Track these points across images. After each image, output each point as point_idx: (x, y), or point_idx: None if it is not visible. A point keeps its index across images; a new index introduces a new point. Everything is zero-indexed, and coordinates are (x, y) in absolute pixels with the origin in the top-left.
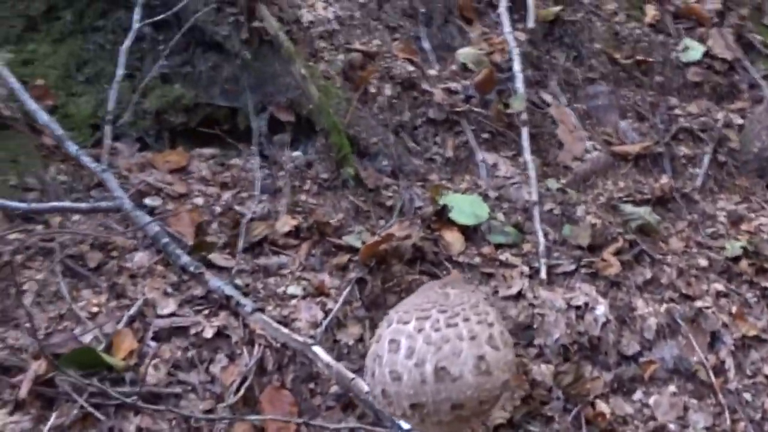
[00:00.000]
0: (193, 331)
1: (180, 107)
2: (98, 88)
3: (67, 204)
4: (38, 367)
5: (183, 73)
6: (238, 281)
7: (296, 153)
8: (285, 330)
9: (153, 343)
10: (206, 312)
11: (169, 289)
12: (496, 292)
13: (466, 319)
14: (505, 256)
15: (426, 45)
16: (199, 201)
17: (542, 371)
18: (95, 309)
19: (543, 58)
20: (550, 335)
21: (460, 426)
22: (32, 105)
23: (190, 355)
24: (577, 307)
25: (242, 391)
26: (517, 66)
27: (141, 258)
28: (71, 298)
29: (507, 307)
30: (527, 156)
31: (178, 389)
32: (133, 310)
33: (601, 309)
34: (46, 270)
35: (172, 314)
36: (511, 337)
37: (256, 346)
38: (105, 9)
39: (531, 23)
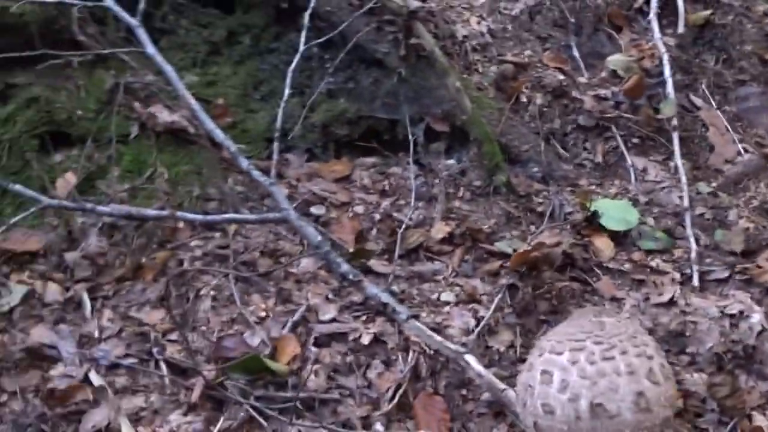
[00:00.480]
0: (351, 337)
1: (344, 120)
2: (273, 105)
3: (237, 216)
4: (209, 372)
5: (347, 89)
6: (395, 287)
7: (450, 161)
8: (438, 338)
9: (314, 349)
10: (364, 318)
11: (331, 295)
12: (648, 299)
13: (624, 352)
14: (655, 262)
15: (576, 53)
16: (360, 209)
17: (695, 381)
18: (263, 314)
19: (692, 62)
20: (703, 344)
21: None
22: (210, 125)
23: (348, 360)
24: (731, 315)
25: (397, 398)
26: (667, 71)
27: (306, 264)
28: (242, 302)
29: (658, 315)
30: (678, 161)
31: (336, 395)
32: (296, 316)
33: (757, 317)
34: (221, 275)
35: (333, 320)
36: (663, 344)
37: (411, 353)
38: (278, 32)
39: (681, 28)
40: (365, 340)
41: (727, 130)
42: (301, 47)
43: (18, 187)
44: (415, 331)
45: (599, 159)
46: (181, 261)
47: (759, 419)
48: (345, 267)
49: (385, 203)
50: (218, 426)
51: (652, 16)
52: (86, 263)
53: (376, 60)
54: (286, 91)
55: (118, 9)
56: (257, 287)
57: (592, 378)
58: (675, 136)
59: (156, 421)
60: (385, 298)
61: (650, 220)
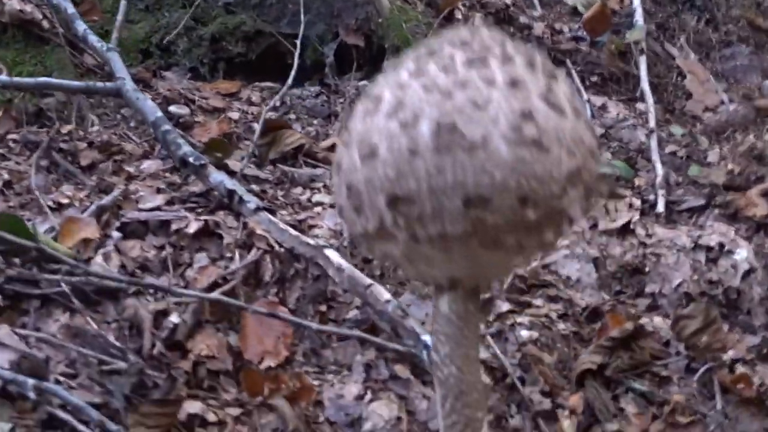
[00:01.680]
0: (175, 227)
1: (239, 35)
2: (157, 16)
3: (55, 80)
4: None
5: (250, 4)
6: (255, 186)
7: (363, 82)
8: (293, 231)
9: (117, 234)
10: (199, 210)
11: (163, 186)
12: (595, 225)
13: (507, 59)
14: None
15: None
16: (235, 116)
17: (656, 324)
18: (66, 201)
19: (670, 19)
20: (669, 281)
21: (483, 255)
22: None
23: (164, 254)
24: (708, 248)
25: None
26: (636, 1)
27: (149, 165)
28: (44, 191)
29: (609, 245)
30: (644, 86)
31: (131, 288)
32: (106, 200)
33: (743, 253)
34: (26, 164)
35: (156, 209)
36: (614, 282)
37: (254, 251)
38: None
39: None
40: (191, 229)
41: (708, 79)
42: None
43: None
44: (264, 225)
45: None
46: None
47: (745, 372)
48: (187, 149)
49: (270, 115)
50: None
51: None
52: None
53: None
54: None
55: None
56: (74, 180)
57: (445, 90)
58: (642, 60)
59: None
60: (231, 184)
61: (606, 155)
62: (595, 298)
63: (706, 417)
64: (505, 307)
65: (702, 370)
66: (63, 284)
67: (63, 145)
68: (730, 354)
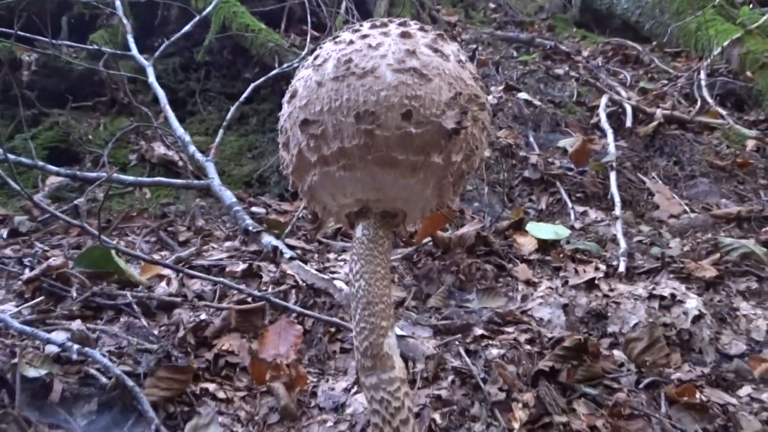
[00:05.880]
0: (228, 269)
1: None
2: (260, 162)
3: (164, 179)
4: (53, 261)
5: None
6: (299, 252)
7: None
8: (313, 270)
9: (181, 273)
10: (249, 261)
11: (228, 246)
12: (566, 282)
13: (405, 24)
14: (580, 256)
15: (531, 140)
16: (299, 214)
17: (615, 356)
18: (158, 257)
19: (644, 162)
20: (627, 323)
21: (381, 174)
22: (172, 117)
23: (215, 288)
24: (662, 297)
25: (233, 320)
26: (610, 138)
27: (229, 244)
28: (145, 253)
29: (577, 296)
30: (614, 189)
31: (179, 299)
32: (184, 253)
33: (693, 302)
34: (138, 236)
35: (217, 259)
36: (581, 326)
37: (283, 285)
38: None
39: (629, 123)
40: (238, 268)
41: (673, 197)
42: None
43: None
44: (295, 270)
45: (542, 206)
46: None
47: (690, 389)
48: (249, 221)
49: None
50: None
51: (602, 113)
52: None
53: None
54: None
55: (152, 81)
56: (170, 249)
57: (349, 41)
58: (613, 174)
59: None
60: (276, 242)
61: (584, 241)
62: (562, 334)
63: (651, 419)
64: (479, 332)
65: (648, 380)
66: (130, 298)
67: (169, 228)
68: (678, 375)
